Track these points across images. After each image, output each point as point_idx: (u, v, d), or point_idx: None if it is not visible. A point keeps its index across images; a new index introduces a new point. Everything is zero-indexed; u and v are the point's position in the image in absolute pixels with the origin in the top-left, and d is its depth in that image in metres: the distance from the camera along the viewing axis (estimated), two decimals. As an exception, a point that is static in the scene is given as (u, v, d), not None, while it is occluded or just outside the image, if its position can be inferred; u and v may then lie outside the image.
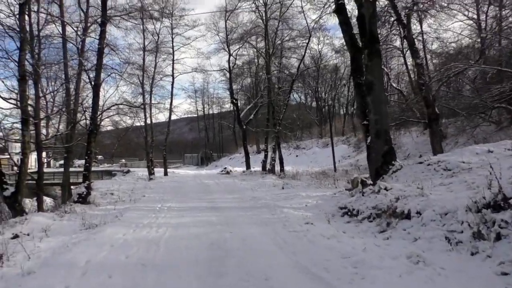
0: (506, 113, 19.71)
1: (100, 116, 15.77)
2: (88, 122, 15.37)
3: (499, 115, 20.76)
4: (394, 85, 30.15)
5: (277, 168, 26.71)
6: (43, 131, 24.64)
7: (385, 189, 8.59)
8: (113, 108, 18.11)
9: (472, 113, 19.70)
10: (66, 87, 19.63)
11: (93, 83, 14.75)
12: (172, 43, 30.92)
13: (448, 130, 24.09)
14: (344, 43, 39.66)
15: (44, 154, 36.16)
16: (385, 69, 25.48)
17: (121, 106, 18.23)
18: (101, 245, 6.50)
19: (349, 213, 8.80)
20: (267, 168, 27.49)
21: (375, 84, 10.43)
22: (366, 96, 10.77)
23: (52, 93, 25.10)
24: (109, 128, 44.41)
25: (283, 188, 16.67)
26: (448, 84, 20.96)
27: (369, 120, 10.90)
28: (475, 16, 23.85)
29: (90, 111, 15.14)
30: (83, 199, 13.54)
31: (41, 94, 18.17)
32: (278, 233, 7.18)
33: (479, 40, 23.00)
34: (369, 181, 8.86)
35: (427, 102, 20.02)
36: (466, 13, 23.59)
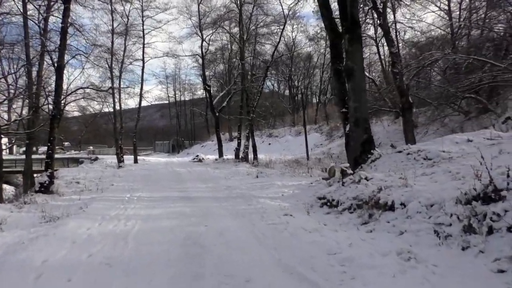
0: (474, 103, 20.01)
1: (64, 100, 14.73)
2: (51, 106, 14.33)
3: (468, 105, 21.09)
4: (366, 74, 30.19)
5: (251, 156, 26.32)
6: (4, 115, 23.11)
7: (366, 178, 8.33)
8: (79, 92, 17.04)
9: (442, 103, 19.96)
10: (28, 69, 18.35)
11: (56, 64, 13.72)
12: (143, 26, 29.70)
13: (419, 119, 24.37)
14: (319, 30, 39.11)
15: (5, 140, 34.21)
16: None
17: (87, 90, 17.15)
18: (61, 242, 5.86)
19: (328, 204, 8.49)
20: (240, 156, 27.06)
21: (356, 70, 10.09)
22: (346, 83, 10.43)
23: (13, 75, 23.47)
24: (76, 114, 42.74)
25: (257, 176, 16.30)
26: (418, 74, 21.03)
27: (348, 108, 10.59)
28: (446, 7, 24.17)
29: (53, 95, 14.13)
30: (46, 189, 12.67)
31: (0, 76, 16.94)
32: (257, 225, 6.76)
33: (449, 30, 23.33)
34: (349, 171, 8.57)
35: (401, 91, 20.03)
36: (438, 4, 23.84)
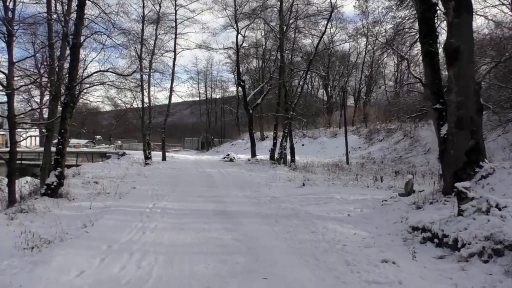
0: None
1: (79, 86, 12.52)
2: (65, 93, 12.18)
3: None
4: (414, 74, 26.85)
5: (288, 157, 23.76)
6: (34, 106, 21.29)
7: (497, 207, 5.55)
8: (100, 80, 14.77)
9: (507, 107, 17.08)
10: (50, 54, 16.40)
11: (71, 42, 11.53)
12: (175, 15, 27.60)
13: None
14: (361, 27, 35.82)
15: (36, 131, 32.80)
16: (406, 56, 22.05)
17: (107, 74, 14.71)
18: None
19: (436, 241, 5.75)
20: (275, 157, 24.46)
21: (463, 51, 7.23)
22: (447, 68, 7.59)
23: (36, 58, 21.51)
24: (107, 108, 41.41)
25: (303, 184, 13.62)
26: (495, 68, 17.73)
27: (446, 103, 7.76)
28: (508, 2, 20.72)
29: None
30: (53, 191, 10.43)
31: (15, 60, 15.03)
32: (350, 286, 4.11)
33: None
34: (471, 193, 5.81)
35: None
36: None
